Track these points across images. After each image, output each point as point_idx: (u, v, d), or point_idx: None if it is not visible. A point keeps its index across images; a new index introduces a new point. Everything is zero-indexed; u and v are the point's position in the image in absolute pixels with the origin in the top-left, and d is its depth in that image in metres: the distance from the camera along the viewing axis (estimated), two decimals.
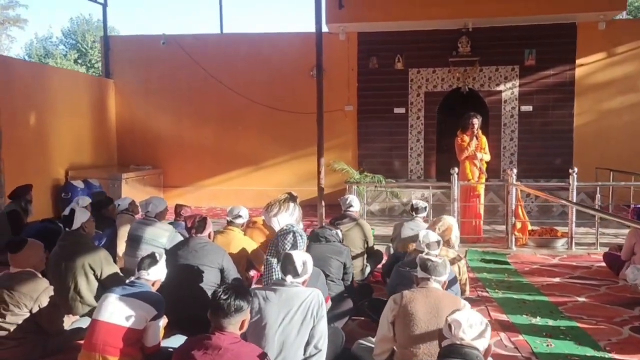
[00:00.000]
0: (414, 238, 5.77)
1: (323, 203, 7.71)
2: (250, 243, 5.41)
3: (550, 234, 7.77)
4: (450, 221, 4.65)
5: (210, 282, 4.35)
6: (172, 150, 12.35)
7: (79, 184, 9.89)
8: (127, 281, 3.59)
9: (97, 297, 4.25)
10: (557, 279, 6.08)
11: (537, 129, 11.47)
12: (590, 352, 4.02)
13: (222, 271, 4.42)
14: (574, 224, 7.36)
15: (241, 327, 2.69)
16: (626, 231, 8.51)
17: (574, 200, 7.34)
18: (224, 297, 2.61)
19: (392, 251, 6.32)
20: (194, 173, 12.30)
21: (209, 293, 4.26)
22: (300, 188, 11.39)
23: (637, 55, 11.22)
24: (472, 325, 2.37)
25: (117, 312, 3.35)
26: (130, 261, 5.18)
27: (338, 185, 10.86)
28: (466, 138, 7.70)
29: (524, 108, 11.47)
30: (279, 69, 11.94)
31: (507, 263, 6.81)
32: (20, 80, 9.57)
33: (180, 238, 5.24)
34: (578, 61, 11.29)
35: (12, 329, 3.68)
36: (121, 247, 5.70)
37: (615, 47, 11.24)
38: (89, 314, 4.19)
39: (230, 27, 28.30)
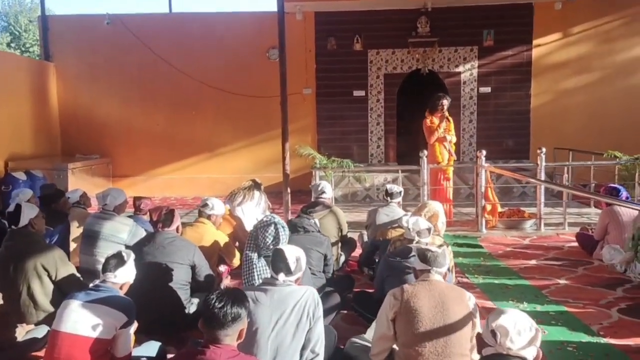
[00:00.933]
0: (390, 224, 5.59)
1: (289, 190, 7.37)
2: (222, 236, 5.02)
3: (518, 215, 7.71)
4: (437, 207, 4.41)
5: (180, 281, 3.98)
6: (121, 137, 11.65)
7: (21, 176, 9.14)
8: (91, 285, 3.16)
9: (53, 302, 3.79)
10: (532, 261, 5.99)
11: (495, 110, 11.44)
12: (584, 337, 3.89)
13: (193, 268, 4.05)
14: (542, 205, 7.31)
15: (239, 337, 2.33)
16: (588, 210, 8.67)
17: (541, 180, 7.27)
18: (219, 305, 2.24)
19: (365, 238, 6.08)
20: (145, 162, 11.66)
21: (180, 292, 3.91)
22: (260, 175, 10.90)
23: (591, 36, 11.32)
24: (520, 332, 2.07)
25: (81, 321, 2.94)
26: (86, 260, 4.71)
27: (299, 171, 10.53)
28: (435, 120, 7.49)
29: (483, 89, 11.40)
30: (234, 51, 11.41)
31: (480, 246, 6.69)
32: None
33: (143, 233, 4.80)
34: (535, 42, 11.28)
35: None
36: (74, 244, 5.20)
37: (571, 28, 11.29)
38: (45, 321, 3.74)
39: (179, 6, 27.09)
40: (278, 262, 2.87)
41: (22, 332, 3.62)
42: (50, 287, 3.82)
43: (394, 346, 3.02)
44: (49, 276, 3.81)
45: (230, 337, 2.27)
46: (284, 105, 7.25)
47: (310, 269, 4.20)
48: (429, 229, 3.75)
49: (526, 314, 2.24)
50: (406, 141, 11.82)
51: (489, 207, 7.37)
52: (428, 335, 2.83)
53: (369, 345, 3.18)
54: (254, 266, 3.51)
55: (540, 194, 7.27)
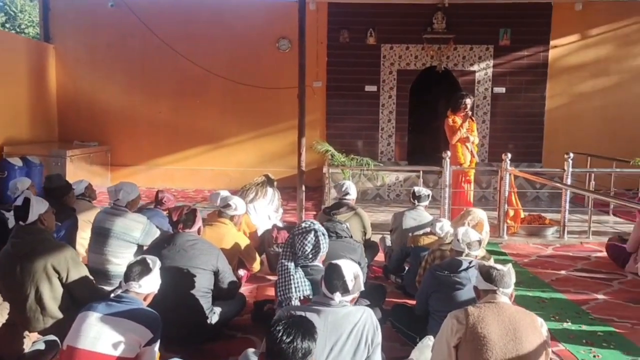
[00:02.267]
0: (417, 229, 5.27)
1: (303, 188, 7.00)
2: (243, 238, 4.68)
3: (539, 221, 7.40)
4: (481, 215, 4.08)
5: (202, 288, 3.62)
6: (121, 125, 11.21)
7: (17, 162, 8.69)
8: (112, 295, 2.79)
9: (62, 308, 3.42)
10: (562, 272, 5.69)
11: (509, 111, 11.13)
12: None
13: (216, 274, 3.69)
14: (567, 212, 7.01)
15: None
16: (606, 217, 8.39)
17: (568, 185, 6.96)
18: (287, 340, 1.88)
19: (388, 243, 5.75)
20: (145, 151, 11.23)
21: (202, 301, 3.55)
22: (266, 169, 10.61)
23: (610, 38, 11.04)
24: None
25: (102, 337, 2.58)
26: (95, 259, 4.33)
27: (308, 166, 10.14)
28: (457, 119, 7.15)
29: (497, 89, 11.09)
30: (243, 39, 10.99)
31: (504, 254, 6.38)
32: None
33: (157, 232, 4.43)
34: (552, 42, 10.98)
35: None
36: (81, 241, 4.82)
37: (590, 29, 11.00)
38: (53, 329, 3.37)
39: None
40: (334, 280, 2.51)
41: (29, 343, 3.24)
42: (59, 290, 3.44)
43: None
44: (60, 278, 3.43)
45: None
46: (302, 97, 6.86)
47: None
48: (479, 241, 3.41)
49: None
50: (417, 140, 11.53)
51: (511, 213, 7.05)
52: None
53: None
54: (291, 277, 3.15)
55: (564, 200, 6.96)
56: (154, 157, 11.28)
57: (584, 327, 4.16)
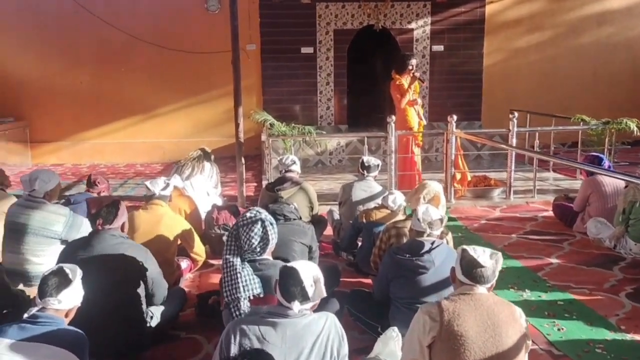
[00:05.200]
0: (368, 200, 5.01)
1: (243, 160, 6.58)
2: (181, 221, 4.23)
3: (484, 182, 7.31)
4: (437, 188, 3.81)
5: (133, 295, 3.15)
6: (39, 98, 10.27)
7: None
8: (26, 315, 2.34)
9: None
10: (513, 236, 5.61)
11: (448, 69, 10.96)
12: (608, 334, 3.48)
13: (145, 280, 3.18)
14: (512, 172, 6.93)
15: None
16: (547, 174, 8.42)
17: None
18: None
19: (335, 216, 5.46)
20: (68, 125, 10.39)
21: (135, 307, 3.13)
22: (201, 139, 10.14)
23: None
24: None
25: None
26: (11, 258, 3.82)
27: (246, 134, 9.62)
28: (404, 82, 6.85)
29: (435, 47, 10.85)
30: (167, 0, 10.22)
31: (454, 219, 6.24)
32: None
33: (83, 222, 3.93)
34: None
35: None
36: None
37: None
38: None
39: None
40: (290, 286, 2.16)
41: None
42: None
43: None
44: None
45: None
46: (236, 63, 6.38)
47: None
48: (441, 219, 3.15)
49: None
50: (356, 102, 11.22)
51: (458, 176, 6.92)
52: None
53: None
54: (239, 275, 2.77)
55: (510, 161, 6.87)
56: (79, 132, 10.47)
57: (544, 297, 4.04)
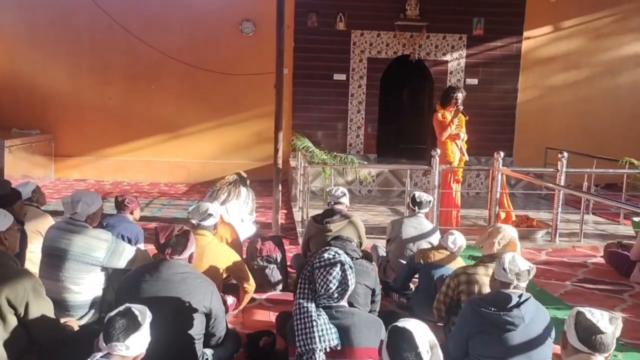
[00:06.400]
0: (419, 239, 4.75)
1: (280, 187, 6.34)
2: (229, 252, 3.97)
3: (527, 223, 7.03)
4: (512, 233, 3.54)
5: (194, 332, 2.89)
6: (66, 112, 10.13)
7: None
8: None
9: (14, 352, 2.68)
10: (567, 283, 5.31)
11: (481, 104, 10.74)
12: None
13: (208, 316, 2.96)
14: (559, 214, 6.65)
15: None
16: (587, 218, 8.09)
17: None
18: None
19: (381, 252, 5.19)
20: (94, 140, 10.21)
21: (194, 347, 2.87)
22: (226, 161, 10.00)
23: (582, 31, 10.84)
24: None
25: None
26: (49, 286, 3.50)
27: (266, 160, 9.45)
28: (447, 115, 6.64)
29: (470, 81, 10.68)
30: (202, 21, 10.08)
31: None
32: None
33: (125, 248, 3.66)
34: (525, 34, 10.67)
35: None
36: (30, 256, 4.03)
37: (562, 22, 10.78)
38: None
39: None
40: (404, 351, 1.87)
41: None
42: (12, 327, 2.71)
43: None
44: (17, 314, 2.70)
45: None
46: (280, 86, 6.19)
47: (354, 307, 3.24)
48: (529, 271, 2.88)
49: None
50: (385, 132, 11.03)
51: (502, 215, 6.64)
52: None
53: None
54: (314, 324, 2.50)
55: (557, 201, 6.60)
56: (103, 147, 10.29)
57: (620, 357, 3.74)
